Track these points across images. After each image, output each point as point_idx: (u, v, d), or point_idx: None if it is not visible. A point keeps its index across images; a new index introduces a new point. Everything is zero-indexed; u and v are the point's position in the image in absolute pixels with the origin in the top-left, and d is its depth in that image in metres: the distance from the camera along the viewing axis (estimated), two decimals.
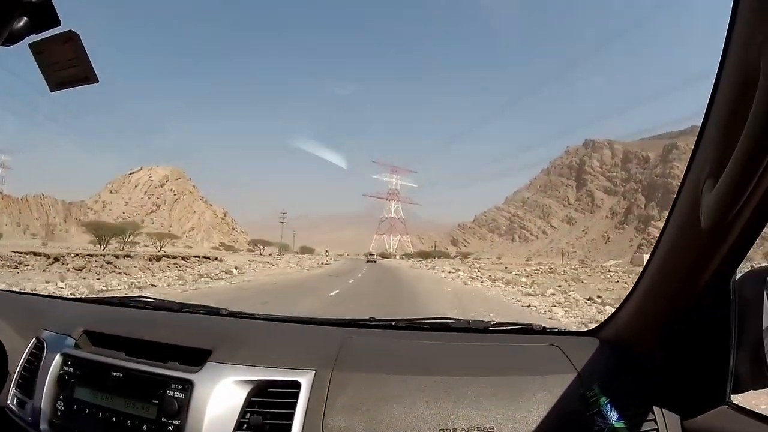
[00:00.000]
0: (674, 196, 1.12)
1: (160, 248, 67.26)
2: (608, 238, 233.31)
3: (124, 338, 1.84)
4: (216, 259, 48.32)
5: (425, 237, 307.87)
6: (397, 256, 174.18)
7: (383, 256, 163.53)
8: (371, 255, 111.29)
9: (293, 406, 1.50)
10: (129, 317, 2.24)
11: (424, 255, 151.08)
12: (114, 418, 1.62)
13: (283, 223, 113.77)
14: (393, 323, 2.11)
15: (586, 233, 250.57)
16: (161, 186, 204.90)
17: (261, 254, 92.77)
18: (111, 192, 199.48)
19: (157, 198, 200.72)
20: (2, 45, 0.94)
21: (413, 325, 2.11)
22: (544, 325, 2.04)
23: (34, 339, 2.01)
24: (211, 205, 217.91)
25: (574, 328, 2.08)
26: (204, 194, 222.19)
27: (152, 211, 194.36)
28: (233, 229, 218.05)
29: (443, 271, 46.33)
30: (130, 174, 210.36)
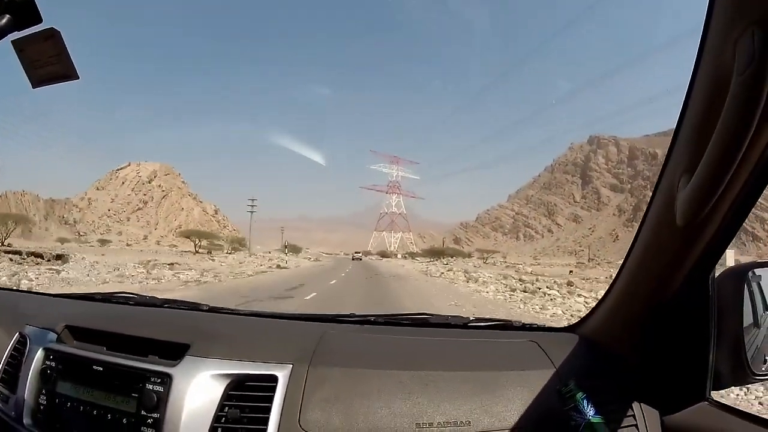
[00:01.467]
0: None
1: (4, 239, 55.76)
2: (617, 236, 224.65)
3: (105, 333, 1.85)
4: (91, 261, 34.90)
5: (426, 236, 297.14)
6: (399, 255, 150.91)
7: (383, 255, 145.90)
8: (357, 253, 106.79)
9: (270, 399, 1.51)
10: (111, 313, 2.24)
11: (434, 253, 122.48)
12: (95, 412, 1.63)
13: (251, 212, 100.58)
14: (372, 319, 2.11)
15: (592, 231, 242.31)
16: (149, 182, 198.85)
17: (197, 252, 77.54)
18: (98, 189, 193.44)
19: (144, 194, 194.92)
20: None
21: (392, 321, 2.12)
22: (523, 321, 2.07)
23: (17, 334, 2.01)
24: (201, 201, 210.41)
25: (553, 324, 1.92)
26: (195, 191, 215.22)
27: (139, 208, 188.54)
28: (224, 227, 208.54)
29: (495, 288, 24.20)
30: (118, 170, 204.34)
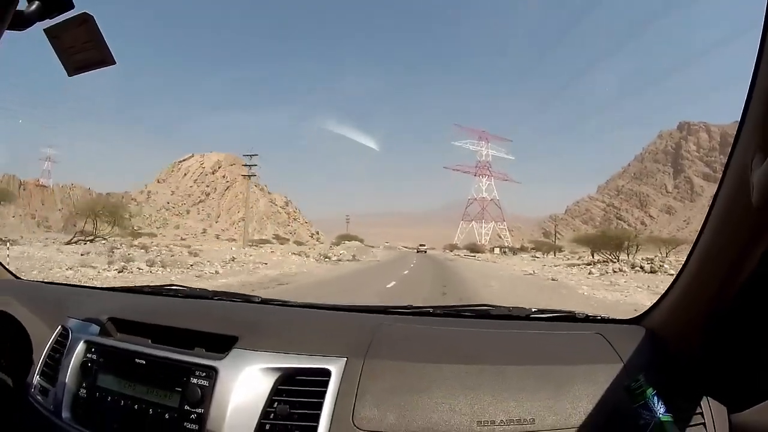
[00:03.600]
0: None
1: None
2: None
3: (150, 325, 1.84)
4: None
5: (514, 229, 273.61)
6: (496, 250, 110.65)
7: (472, 250, 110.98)
8: (421, 246, 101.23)
9: (322, 395, 1.46)
10: (158, 305, 2.24)
11: (540, 247, 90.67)
12: (136, 406, 1.62)
13: (249, 175, 70.46)
14: (431, 311, 2.07)
15: (687, 223, 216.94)
16: (212, 173, 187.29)
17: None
18: (159, 182, 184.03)
19: (207, 186, 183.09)
20: (14, 29, 0.92)
21: (451, 313, 2.07)
22: (587, 312, 1.99)
23: (59, 327, 2.02)
24: (270, 193, 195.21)
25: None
26: (265, 182, 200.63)
27: (200, 201, 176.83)
28: (294, 219, 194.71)
29: None
30: (181, 162, 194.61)
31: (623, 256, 39.11)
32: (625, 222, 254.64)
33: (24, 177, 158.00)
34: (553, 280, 23.03)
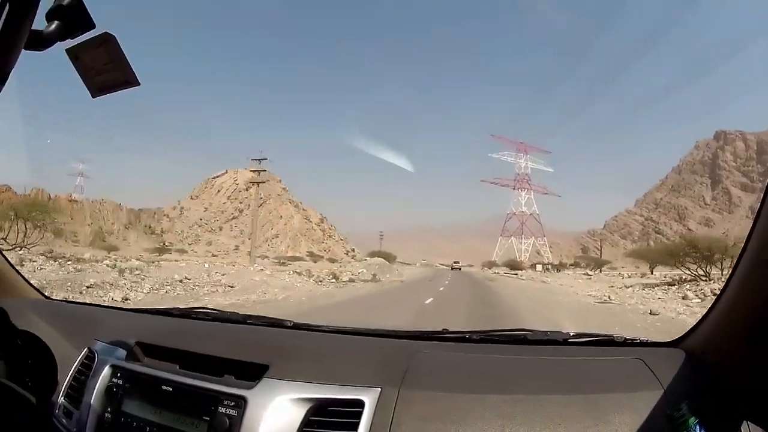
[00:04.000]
0: None
1: None
2: None
3: (179, 351, 1.83)
4: None
5: (552, 245, 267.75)
6: (538, 268, 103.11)
7: (512, 267, 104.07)
8: (456, 263, 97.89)
9: (356, 426, 1.43)
10: (187, 329, 2.24)
11: (587, 263, 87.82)
12: None
13: (258, 183, 66.86)
14: (466, 336, 2.01)
15: (726, 236, 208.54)
16: (246, 189, 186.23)
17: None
18: (192, 198, 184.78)
19: (240, 202, 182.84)
20: (33, 49, 0.92)
21: (488, 338, 2.00)
22: (625, 336, 1.96)
23: (85, 349, 2.03)
24: (304, 209, 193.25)
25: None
26: (298, 198, 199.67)
27: (233, 217, 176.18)
28: (329, 236, 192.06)
29: None
30: (214, 178, 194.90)
31: (713, 271, 29.97)
32: (663, 236, 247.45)
33: (55, 191, 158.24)
34: (653, 314, 15.61)
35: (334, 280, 33.73)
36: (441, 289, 27.72)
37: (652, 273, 49.67)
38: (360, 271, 44.68)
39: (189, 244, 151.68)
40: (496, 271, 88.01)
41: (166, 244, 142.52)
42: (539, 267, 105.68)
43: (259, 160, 62.17)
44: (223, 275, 27.83)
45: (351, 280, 35.15)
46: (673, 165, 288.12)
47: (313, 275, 36.46)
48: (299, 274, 37.03)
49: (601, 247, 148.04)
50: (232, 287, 23.07)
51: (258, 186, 64.31)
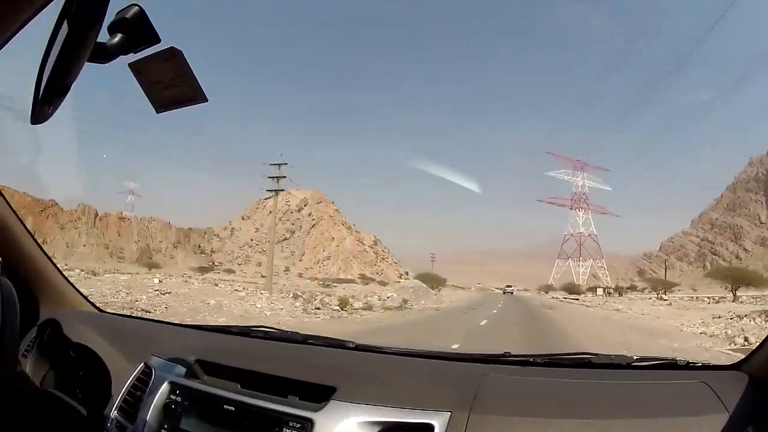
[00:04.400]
0: None
1: None
2: None
3: (239, 370, 1.81)
4: None
5: (608, 267, 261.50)
6: (599, 292, 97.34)
7: (570, 291, 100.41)
8: (508, 287, 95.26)
9: None
10: (247, 348, 2.23)
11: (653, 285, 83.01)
12: None
13: (275, 193, 57.05)
14: (531, 359, 1.97)
15: None
16: (298, 211, 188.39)
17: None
18: (243, 218, 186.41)
19: (292, 224, 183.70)
20: (95, 61, 0.92)
21: (552, 361, 1.98)
22: (688, 359, 1.91)
23: (142, 364, 2.02)
24: (357, 231, 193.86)
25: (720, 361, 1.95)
26: (351, 220, 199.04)
27: (285, 238, 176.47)
28: (382, 259, 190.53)
29: None
30: (266, 199, 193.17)
31: None
32: (719, 257, 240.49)
33: (105, 209, 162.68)
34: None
35: (342, 311, 27.13)
36: (483, 323, 21.85)
37: (734, 295, 45.52)
38: (389, 295, 38.98)
39: (238, 265, 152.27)
40: (554, 296, 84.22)
41: (215, 263, 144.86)
42: (599, 291, 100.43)
43: (278, 165, 53.02)
44: (209, 302, 24.00)
45: (367, 308, 29.81)
46: (728, 182, 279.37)
47: (315, 301, 30.53)
48: (295, 297, 32.10)
49: (666, 268, 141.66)
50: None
51: (276, 195, 55.14)
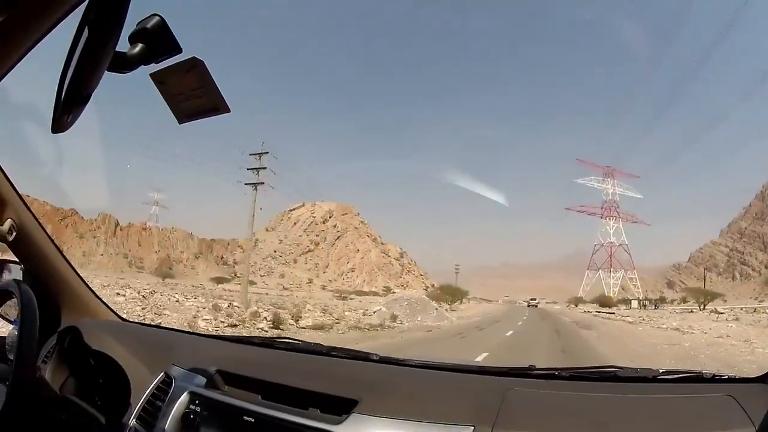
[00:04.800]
0: None
1: None
2: None
3: (261, 381, 1.80)
4: None
5: (638, 279, 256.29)
6: (634, 304, 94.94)
7: (602, 304, 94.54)
8: (532, 300, 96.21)
9: None
10: (269, 359, 2.23)
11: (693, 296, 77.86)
12: None
13: (255, 183, 43.26)
14: (556, 372, 1.96)
15: None
16: (323, 222, 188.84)
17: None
18: (267, 230, 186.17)
19: (317, 235, 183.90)
20: (115, 71, 0.92)
21: (578, 375, 1.96)
22: (713, 372, 1.89)
23: (162, 374, 2.01)
24: (383, 243, 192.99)
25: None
26: (377, 232, 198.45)
27: (309, 250, 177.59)
28: (408, 271, 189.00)
29: None
30: (291, 211, 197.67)
31: None
32: (749, 266, 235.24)
33: (129, 219, 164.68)
34: None
35: (272, 326, 20.87)
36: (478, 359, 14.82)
37: None
38: (377, 309, 32.45)
39: (261, 276, 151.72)
40: (586, 309, 77.03)
41: (237, 275, 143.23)
42: (634, 303, 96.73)
43: (259, 155, 45.70)
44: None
45: (317, 327, 22.18)
46: (756, 191, 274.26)
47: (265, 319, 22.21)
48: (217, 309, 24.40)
49: (705, 278, 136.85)
50: None
51: (255, 189, 44.54)
